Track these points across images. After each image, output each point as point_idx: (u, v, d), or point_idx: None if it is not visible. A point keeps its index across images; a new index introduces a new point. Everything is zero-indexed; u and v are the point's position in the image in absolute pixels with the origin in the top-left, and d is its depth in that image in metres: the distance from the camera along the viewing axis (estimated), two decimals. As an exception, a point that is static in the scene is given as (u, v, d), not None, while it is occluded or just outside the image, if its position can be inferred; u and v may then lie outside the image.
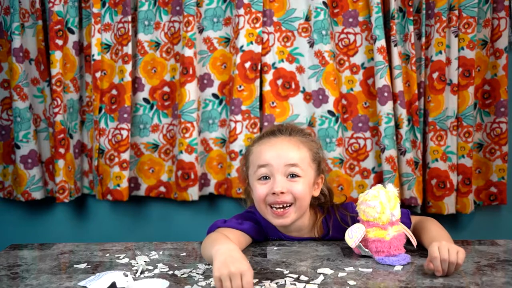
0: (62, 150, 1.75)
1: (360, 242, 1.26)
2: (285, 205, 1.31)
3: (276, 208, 1.31)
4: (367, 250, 1.26)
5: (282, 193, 1.29)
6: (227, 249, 1.08)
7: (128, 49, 1.75)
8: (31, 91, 1.79)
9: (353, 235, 1.26)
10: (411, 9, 1.71)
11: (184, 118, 1.75)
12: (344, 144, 1.79)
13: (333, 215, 1.39)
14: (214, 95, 1.82)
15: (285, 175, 1.31)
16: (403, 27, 1.74)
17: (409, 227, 1.32)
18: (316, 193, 1.38)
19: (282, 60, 1.78)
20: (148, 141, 1.83)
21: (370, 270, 1.18)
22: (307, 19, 1.77)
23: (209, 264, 1.25)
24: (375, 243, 1.24)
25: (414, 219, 1.36)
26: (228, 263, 1.01)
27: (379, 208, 1.23)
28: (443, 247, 1.11)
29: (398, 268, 1.18)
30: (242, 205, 1.53)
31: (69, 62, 1.78)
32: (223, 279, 0.99)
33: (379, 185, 1.27)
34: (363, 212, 1.26)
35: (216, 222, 1.35)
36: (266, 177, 1.32)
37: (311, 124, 1.77)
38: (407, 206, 1.76)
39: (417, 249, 1.30)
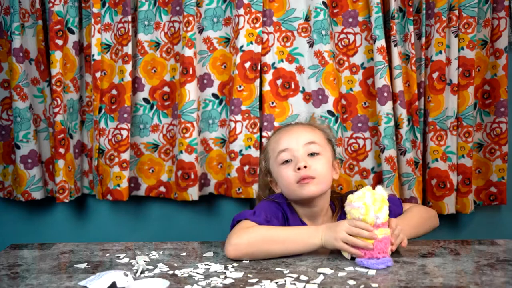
0: (62, 150, 1.75)
1: None
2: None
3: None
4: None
5: (305, 167, 1.35)
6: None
7: (128, 49, 1.75)
8: (31, 91, 1.79)
9: None
10: (411, 9, 1.71)
11: (184, 118, 1.75)
12: (344, 144, 1.79)
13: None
14: (214, 95, 1.82)
15: (305, 154, 1.38)
16: (403, 27, 1.74)
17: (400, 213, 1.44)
18: (336, 176, 1.47)
19: (282, 60, 1.78)
20: (148, 141, 1.83)
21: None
22: (307, 19, 1.77)
23: (208, 264, 1.25)
24: None
25: (405, 206, 1.49)
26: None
27: (363, 209, 1.22)
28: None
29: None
30: (244, 205, 1.53)
31: (69, 62, 1.78)
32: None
33: (367, 187, 1.27)
34: (349, 213, 1.26)
35: (244, 212, 1.36)
36: (288, 161, 1.39)
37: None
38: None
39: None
